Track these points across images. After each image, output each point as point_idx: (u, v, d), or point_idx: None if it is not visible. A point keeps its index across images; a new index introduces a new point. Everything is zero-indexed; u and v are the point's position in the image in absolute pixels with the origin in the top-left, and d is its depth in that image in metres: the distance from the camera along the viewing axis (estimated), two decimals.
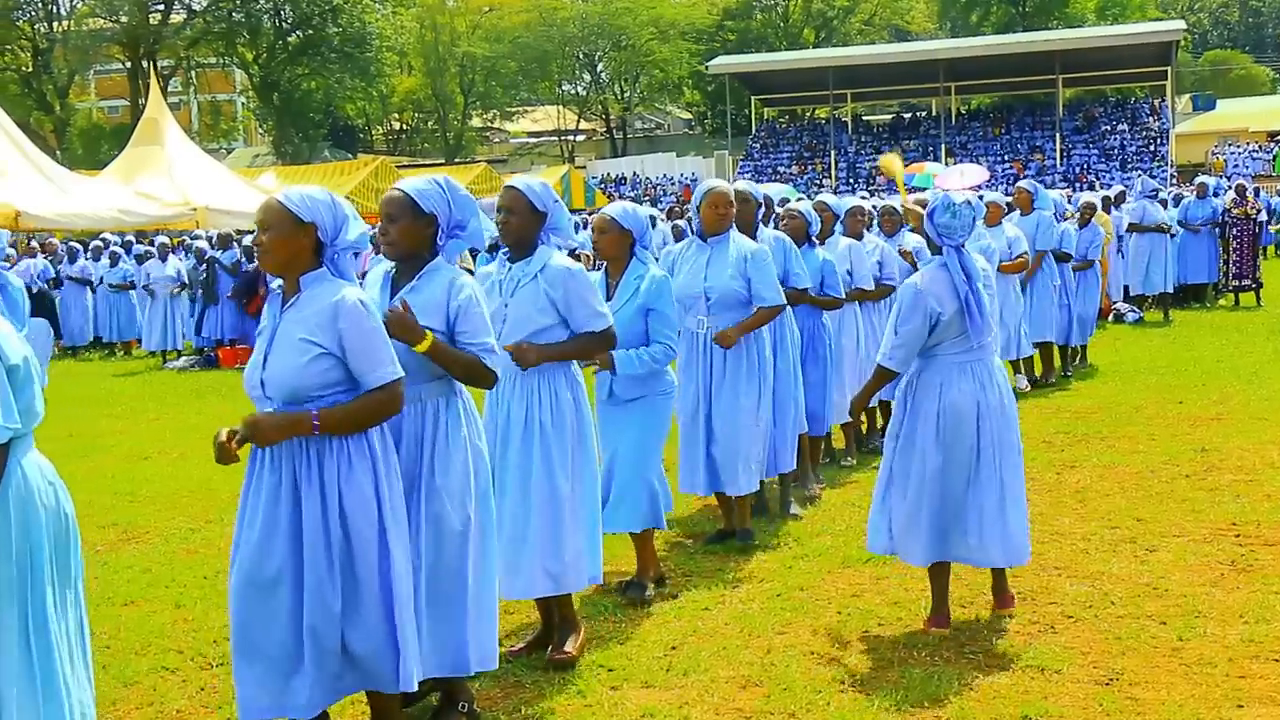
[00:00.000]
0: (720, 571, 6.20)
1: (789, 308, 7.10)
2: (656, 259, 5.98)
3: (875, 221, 9.73)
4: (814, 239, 7.73)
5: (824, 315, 7.70)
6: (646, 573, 5.84)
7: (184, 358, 17.64)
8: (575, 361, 5.03)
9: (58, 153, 55.59)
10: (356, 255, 3.94)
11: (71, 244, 20.33)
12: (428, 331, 4.06)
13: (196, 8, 60.33)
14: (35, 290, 16.54)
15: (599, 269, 5.87)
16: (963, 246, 5.13)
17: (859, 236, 8.53)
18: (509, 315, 4.87)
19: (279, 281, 3.92)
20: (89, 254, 20.03)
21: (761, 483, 7.12)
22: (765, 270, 6.40)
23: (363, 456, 3.84)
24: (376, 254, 4.93)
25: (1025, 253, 10.62)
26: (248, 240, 18.67)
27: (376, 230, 4.35)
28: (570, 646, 4.97)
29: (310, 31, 59.97)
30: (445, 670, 4.24)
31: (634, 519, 5.67)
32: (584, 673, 4.91)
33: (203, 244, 18.38)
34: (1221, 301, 18.49)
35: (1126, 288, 17.16)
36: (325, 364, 3.77)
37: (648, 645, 5.19)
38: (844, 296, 7.76)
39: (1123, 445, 8.73)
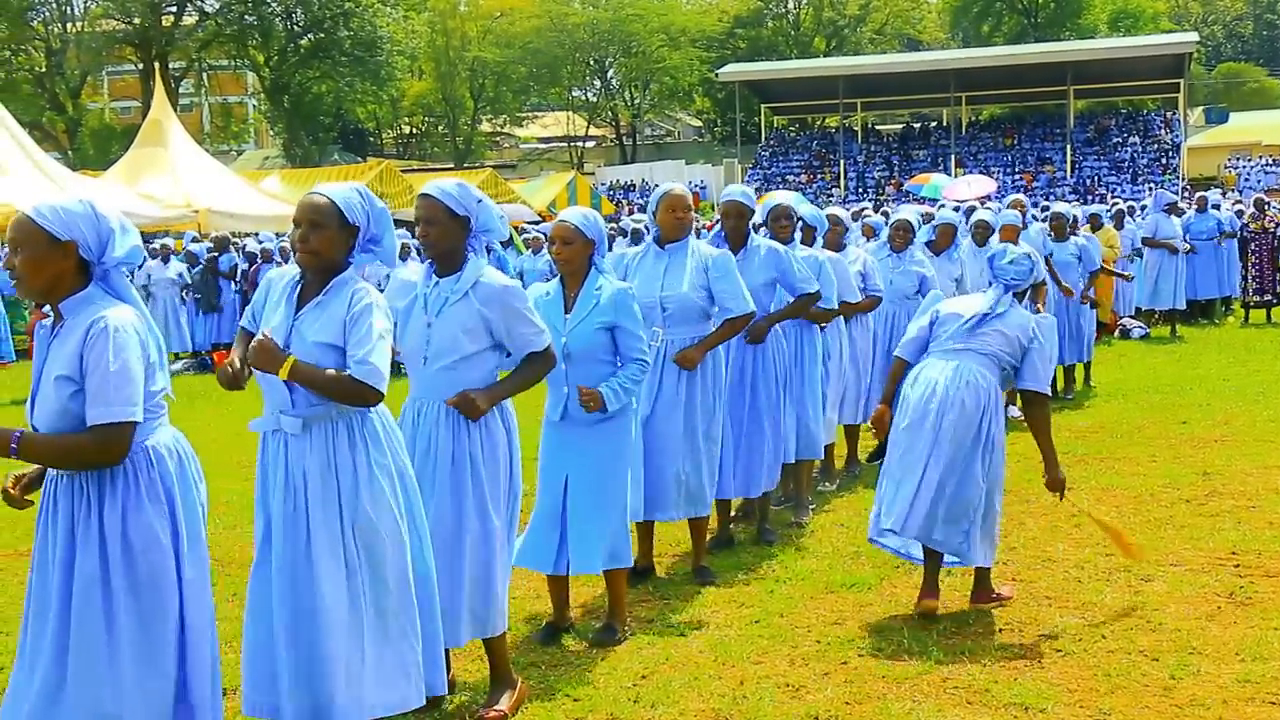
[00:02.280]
0: (698, 595, 6.00)
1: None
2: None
3: (878, 232, 9.57)
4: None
5: (815, 328, 7.39)
6: (618, 615, 5.42)
7: (180, 361, 17.51)
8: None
9: (69, 152, 55.70)
10: (133, 273, 3.65)
11: None
12: (288, 357, 3.73)
13: (209, 10, 60.31)
14: None
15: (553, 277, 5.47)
16: (1015, 296, 5.61)
17: (838, 248, 8.22)
18: (433, 337, 4.43)
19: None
20: None
21: (731, 514, 6.89)
22: (729, 278, 5.99)
23: (156, 500, 3.48)
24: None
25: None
26: (250, 244, 18.54)
27: (291, 236, 4.02)
28: (504, 704, 4.57)
29: (322, 35, 59.87)
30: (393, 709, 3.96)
31: (602, 558, 5.22)
32: (547, 703, 4.72)
33: (196, 247, 18.22)
34: (1230, 318, 18.24)
35: (1133, 303, 16.93)
36: (83, 400, 3.37)
37: (617, 673, 5.00)
38: (836, 308, 7.42)
39: (1122, 467, 8.51)
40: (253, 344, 3.75)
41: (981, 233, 10.09)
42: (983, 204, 16.61)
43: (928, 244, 9.29)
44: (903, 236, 8.95)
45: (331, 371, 3.77)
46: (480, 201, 4.50)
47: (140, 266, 18.68)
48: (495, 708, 4.55)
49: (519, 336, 4.48)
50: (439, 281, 4.51)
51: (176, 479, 3.54)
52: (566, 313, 5.22)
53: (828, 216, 8.47)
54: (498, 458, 4.48)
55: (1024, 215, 12.03)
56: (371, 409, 3.91)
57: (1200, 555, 6.42)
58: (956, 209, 13.45)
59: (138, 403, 3.39)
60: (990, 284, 5.72)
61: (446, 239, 4.44)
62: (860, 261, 8.31)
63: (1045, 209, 17.57)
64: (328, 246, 3.89)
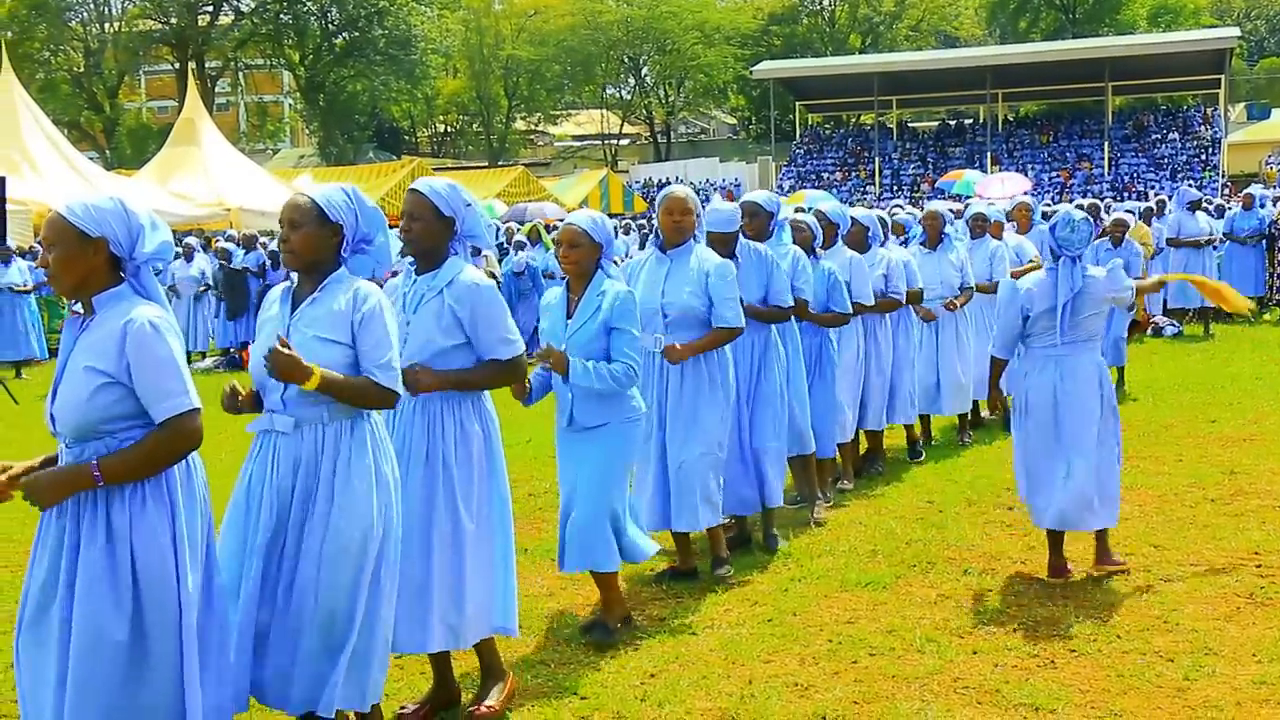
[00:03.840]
0: (712, 593, 5.97)
1: (794, 322, 6.85)
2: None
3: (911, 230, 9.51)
4: (817, 251, 7.43)
5: (829, 331, 7.36)
6: (611, 613, 5.38)
7: (209, 359, 17.63)
8: (486, 390, 4.52)
9: (107, 152, 56.27)
10: (159, 271, 3.62)
11: None
12: (313, 368, 3.70)
13: (244, 9, 60.76)
14: None
15: (563, 282, 5.35)
16: (1079, 258, 5.83)
17: (862, 249, 8.14)
18: (410, 334, 4.37)
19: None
20: None
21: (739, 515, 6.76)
22: (728, 288, 5.83)
23: (160, 503, 3.47)
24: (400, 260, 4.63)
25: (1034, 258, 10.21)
26: (274, 245, 18.61)
27: (277, 239, 4.00)
28: (494, 700, 4.54)
29: (356, 33, 60.23)
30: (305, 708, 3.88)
31: (589, 558, 5.20)
32: (554, 701, 4.70)
33: (225, 245, 18.32)
34: (1267, 316, 18.01)
35: (1165, 300, 16.73)
36: (113, 395, 3.40)
37: (625, 672, 4.98)
38: (850, 312, 7.35)
39: (1148, 466, 8.40)
40: (273, 356, 3.69)
41: (979, 225, 9.89)
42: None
43: (921, 241, 9.21)
44: (934, 231, 9.05)
45: (357, 379, 3.81)
46: (469, 205, 4.44)
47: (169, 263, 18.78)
48: (486, 704, 4.52)
49: (484, 340, 4.38)
50: (417, 279, 4.46)
51: (182, 484, 3.54)
52: (568, 316, 5.16)
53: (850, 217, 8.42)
54: (471, 458, 4.39)
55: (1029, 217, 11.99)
56: (365, 415, 3.92)
57: (1222, 555, 6.33)
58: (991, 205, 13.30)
59: (192, 389, 3.45)
60: (1058, 257, 5.89)
61: (429, 237, 4.40)
62: (884, 264, 8.23)
63: (1080, 208, 17.38)
64: (307, 245, 3.90)
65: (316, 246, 3.91)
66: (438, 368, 4.33)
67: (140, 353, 3.38)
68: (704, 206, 6.22)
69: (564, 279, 5.31)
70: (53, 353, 17.30)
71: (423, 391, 4.28)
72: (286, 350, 3.70)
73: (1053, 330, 5.85)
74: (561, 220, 24.08)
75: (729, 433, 6.06)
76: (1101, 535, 6.08)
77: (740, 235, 6.48)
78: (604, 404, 5.15)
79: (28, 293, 17.10)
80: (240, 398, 3.90)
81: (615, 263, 5.27)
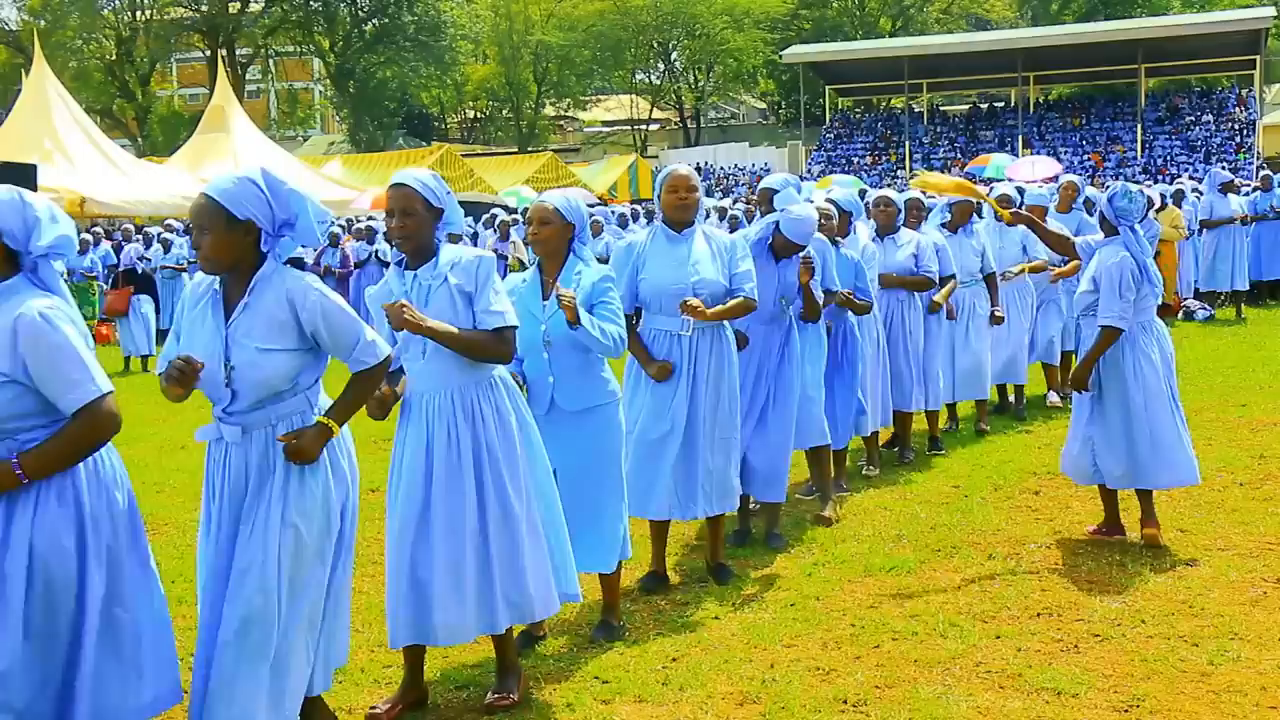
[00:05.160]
0: (735, 577, 5.97)
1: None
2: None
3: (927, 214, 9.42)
4: (837, 240, 7.35)
5: (851, 319, 7.27)
6: (614, 611, 5.28)
7: None
8: (503, 367, 4.44)
9: (139, 139, 56.66)
10: (64, 258, 3.46)
11: (110, 230, 20.46)
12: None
13: None
14: (140, 271, 16.73)
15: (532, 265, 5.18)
16: (1135, 227, 6.17)
17: (891, 230, 8.15)
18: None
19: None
20: (157, 241, 20.19)
21: (747, 508, 6.69)
22: (748, 262, 5.73)
23: (65, 504, 3.37)
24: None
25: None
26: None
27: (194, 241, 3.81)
28: (515, 692, 4.52)
29: (386, 20, 60.33)
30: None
31: (599, 557, 5.03)
32: (576, 683, 4.72)
33: None
34: None
35: (1196, 284, 16.60)
36: (11, 393, 3.29)
37: (648, 656, 4.99)
38: (873, 301, 7.28)
39: None
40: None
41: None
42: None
43: (943, 225, 9.09)
44: (961, 216, 8.95)
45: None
46: (448, 194, 4.38)
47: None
48: (510, 695, 4.50)
49: (476, 308, 4.27)
50: (415, 274, 4.36)
51: (87, 486, 3.45)
52: (544, 299, 4.98)
53: (879, 198, 8.38)
54: (512, 440, 4.36)
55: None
56: (314, 412, 3.82)
57: (1250, 540, 6.29)
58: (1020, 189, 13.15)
59: (99, 374, 3.37)
60: (1118, 227, 6.20)
61: (424, 231, 4.31)
62: (914, 244, 8.20)
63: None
64: (220, 249, 3.69)
65: (230, 248, 3.69)
66: (454, 364, 4.28)
67: (35, 345, 3.29)
68: (731, 193, 6.17)
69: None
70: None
71: (400, 329, 4.18)
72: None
73: (1150, 295, 6.22)
74: (591, 206, 24.11)
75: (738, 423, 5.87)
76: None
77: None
78: (585, 386, 4.96)
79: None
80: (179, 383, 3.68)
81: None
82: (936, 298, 8.38)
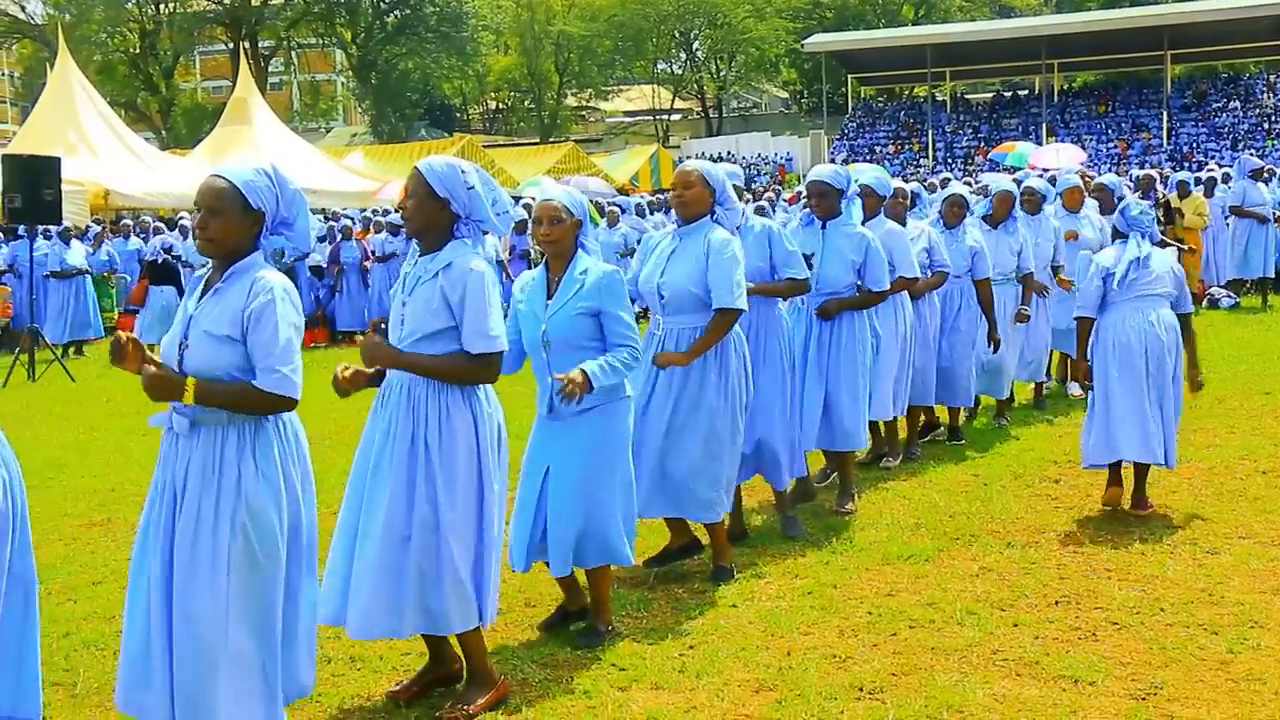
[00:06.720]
0: (753, 565, 5.97)
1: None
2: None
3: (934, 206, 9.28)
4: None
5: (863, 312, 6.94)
6: (601, 615, 5.10)
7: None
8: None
9: (163, 132, 56.96)
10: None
11: (126, 221, 20.57)
12: (187, 382, 3.52)
13: None
14: (161, 261, 16.85)
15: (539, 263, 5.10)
16: (1144, 235, 6.66)
17: (901, 221, 7.90)
18: (406, 316, 4.22)
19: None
20: (177, 232, 20.31)
21: (740, 512, 6.54)
22: (726, 265, 5.45)
23: None
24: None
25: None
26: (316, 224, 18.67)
27: (194, 223, 3.78)
28: (475, 704, 4.31)
29: (408, 11, 60.52)
30: None
31: (608, 554, 4.94)
32: (593, 671, 4.73)
33: None
34: None
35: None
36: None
37: (665, 643, 4.99)
38: (888, 289, 6.93)
39: (1198, 439, 8.29)
40: (147, 383, 3.54)
41: (1032, 201, 9.45)
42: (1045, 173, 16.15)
43: (984, 217, 8.86)
44: (956, 212, 8.45)
45: (235, 386, 3.58)
46: (471, 189, 4.22)
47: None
48: (461, 706, 4.33)
49: (464, 328, 4.14)
50: (419, 261, 4.30)
51: None
52: (549, 297, 4.89)
53: (894, 189, 8.28)
54: (456, 445, 4.16)
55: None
56: (274, 417, 3.71)
57: (1272, 528, 6.25)
58: (1042, 175, 13.01)
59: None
60: (1128, 234, 6.66)
61: (421, 216, 4.23)
62: (925, 236, 8.07)
63: (1135, 179, 17.09)
64: (228, 233, 3.66)
65: (238, 234, 3.68)
66: (426, 351, 4.15)
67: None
68: (754, 183, 6.18)
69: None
70: (108, 330, 17.59)
71: (371, 365, 4.17)
72: (154, 369, 3.55)
73: (1133, 284, 6.60)
74: (608, 198, 23.93)
75: (740, 418, 5.71)
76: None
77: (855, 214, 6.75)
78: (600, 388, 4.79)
79: (87, 273, 17.46)
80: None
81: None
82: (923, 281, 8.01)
